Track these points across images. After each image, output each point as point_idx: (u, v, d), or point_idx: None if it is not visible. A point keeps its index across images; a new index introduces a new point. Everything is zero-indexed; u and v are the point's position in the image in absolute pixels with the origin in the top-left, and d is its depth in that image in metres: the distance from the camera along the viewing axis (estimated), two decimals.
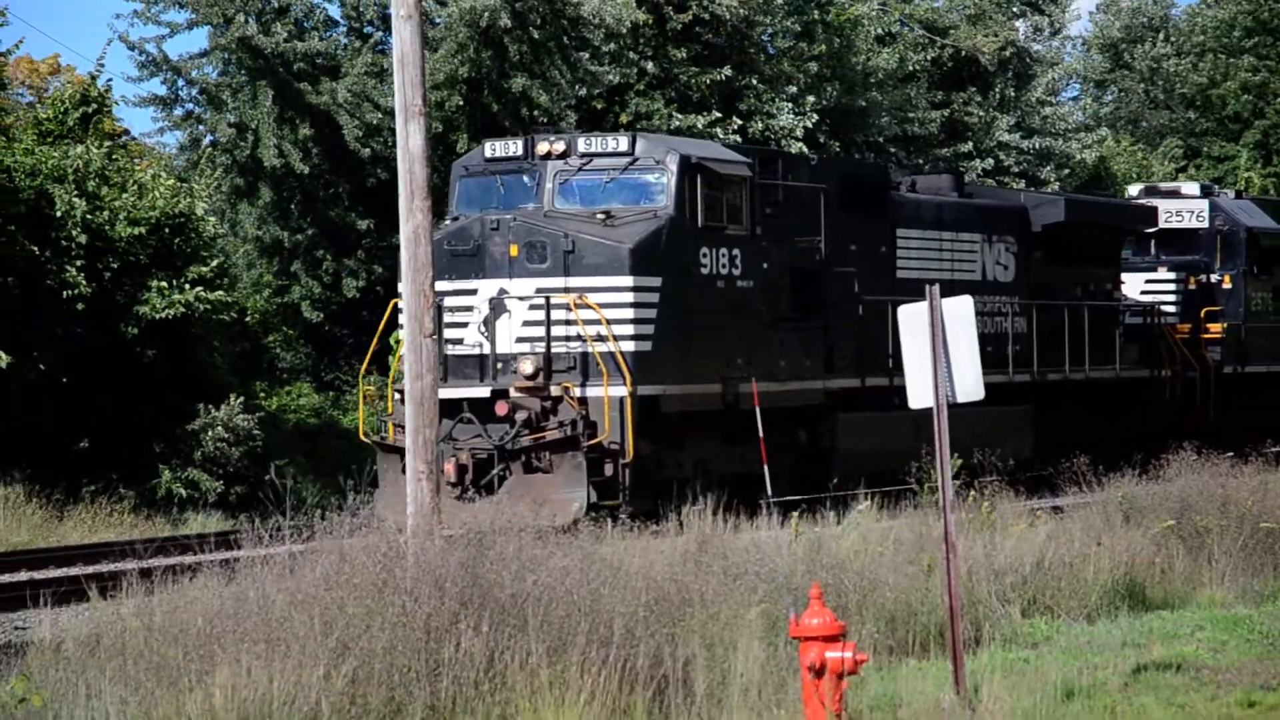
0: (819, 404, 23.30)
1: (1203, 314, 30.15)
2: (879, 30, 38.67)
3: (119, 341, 25.25)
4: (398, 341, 21.30)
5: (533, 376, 20.14)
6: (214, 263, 25.98)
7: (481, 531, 12.79)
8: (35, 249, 23.79)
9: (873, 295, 23.44)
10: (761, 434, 22.32)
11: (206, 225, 26.43)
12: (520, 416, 20.11)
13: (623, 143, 21.78)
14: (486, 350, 20.69)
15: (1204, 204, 32.21)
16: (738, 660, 11.96)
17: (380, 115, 29.52)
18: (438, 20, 30.86)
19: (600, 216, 20.94)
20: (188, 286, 24.63)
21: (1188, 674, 13.65)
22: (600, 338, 20.29)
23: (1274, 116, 55.32)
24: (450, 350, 20.78)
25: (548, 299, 20.39)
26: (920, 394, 12.25)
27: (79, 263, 23.82)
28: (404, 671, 10.99)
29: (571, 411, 20.09)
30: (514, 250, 20.71)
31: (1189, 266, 31.15)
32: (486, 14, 29.95)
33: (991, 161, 41.10)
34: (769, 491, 21.46)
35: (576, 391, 20.20)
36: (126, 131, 33.35)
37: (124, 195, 25.12)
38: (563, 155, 21.46)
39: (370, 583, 11.57)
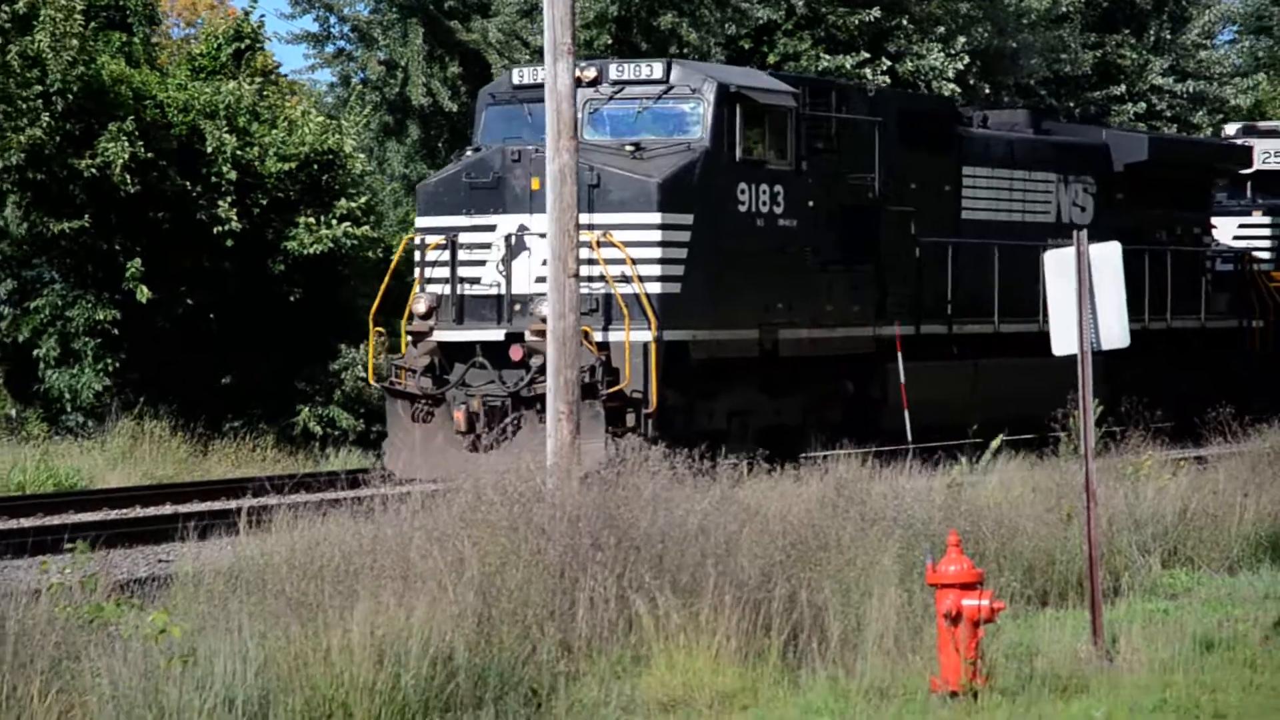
0: (869, 352, 22.07)
1: None
2: None
3: (266, 278, 25.56)
4: (413, 280, 20.75)
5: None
6: (361, 200, 26.10)
7: (618, 470, 13.00)
8: (186, 184, 23.88)
9: (932, 237, 22.45)
10: (903, 380, 22.12)
11: (355, 162, 26.58)
12: (536, 362, 18.97)
13: (657, 70, 20.58)
14: (503, 290, 19.81)
15: None
16: (873, 606, 11.82)
17: (529, 54, 29.28)
18: None
19: (629, 148, 19.81)
20: (335, 223, 25.02)
21: None
22: (625, 278, 19.24)
23: None
24: (466, 290, 19.98)
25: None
26: (1064, 341, 12.32)
27: (229, 199, 23.92)
28: (537, 610, 11.01)
29: (591, 357, 18.84)
30: (535, 184, 19.17)
31: None
32: None
33: (1144, 105, 40.14)
34: (909, 438, 21.47)
35: (597, 336, 19.06)
36: (278, 68, 33.78)
37: (274, 132, 25.23)
38: (593, 83, 20.26)
39: (505, 521, 11.70)
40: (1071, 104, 38.59)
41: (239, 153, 24.24)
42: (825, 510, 13.85)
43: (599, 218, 19.11)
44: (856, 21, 32.56)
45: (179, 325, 25.06)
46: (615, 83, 20.32)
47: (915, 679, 10.81)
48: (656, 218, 19.45)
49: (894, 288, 22.10)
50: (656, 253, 19.49)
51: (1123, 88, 40.45)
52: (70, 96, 23.42)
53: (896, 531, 13.13)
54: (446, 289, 20.20)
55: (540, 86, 19.05)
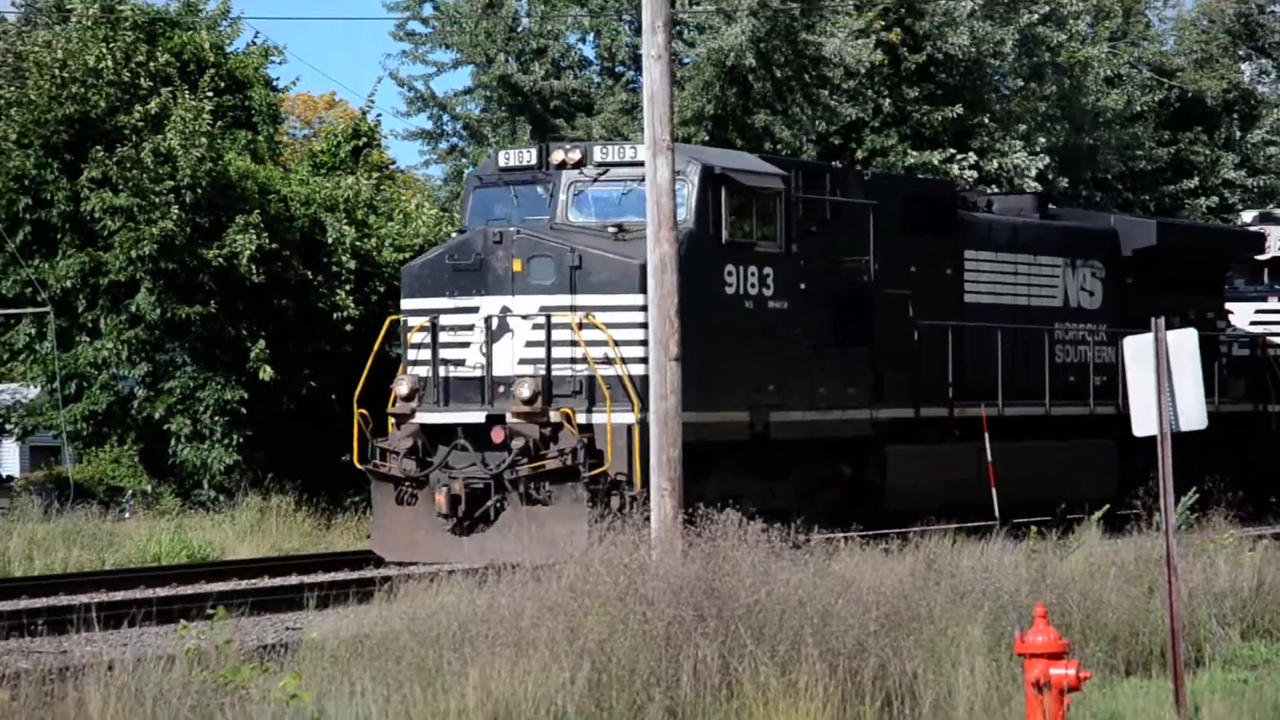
0: (865, 435, 21.47)
1: None
2: (1108, 72, 38.28)
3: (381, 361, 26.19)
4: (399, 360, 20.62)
5: (530, 401, 18.65)
6: None
7: (717, 545, 12.96)
8: (308, 273, 24.92)
9: (930, 320, 21.74)
10: (990, 458, 22.33)
11: None
12: (517, 444, 18.61)
13: (640, 151, 19.04)
14: (485, 372, 19.33)
15: None
16: (963, 675, 12.26)
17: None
18: (686, 60, 31.20)
19: (612, 230, 19.32)
20: None
21: None
22: (607, 360, 18.73)
23: None
24: (449, 372, 19.55)
25: (548, 317, 18.97)
26: (1144, 422, 12.67)
27: (348, 286, 24.87)
28: (644, 677, 11.40)
29: (572, 439, 18.61)
30: (517, 265, 19.23)
31: None
32: (732, 54, 30.35)
33: (1216, 199, 41.38)
34: (997, 515, 21.15)
35: (580, 418, 18.61)
36: (394, 163, 35.41)
37: (390, 223, 26.24)
38: (578, 164, 19.95)
39: (613, 592, 12.13)
40: (1147, 197, 39.45)
41: (357, 243, 25.20)
42: (916, 582, 14.33)
43: (581, 299, 18.85)
44: (940, 118, 32.95)
45: (301, 405, 25.83)
46: (600, 164, 19.84)
47: None
48: (639, 299, 18.39)
49: (890, 371, 21.55)
50: (639, 334, 18.55)
51: (1195, 182, 41.17)
52: (199, 191, 24.41)
53: (985, 604, 13.50)
54: (429, 370, 19.88)
55: (525, 169, 20.36)
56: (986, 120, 34.57)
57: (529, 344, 18.83)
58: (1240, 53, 46.49)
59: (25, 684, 10.27)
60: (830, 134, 33.50)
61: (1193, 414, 12.65)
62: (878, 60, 32.70)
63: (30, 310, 26.25)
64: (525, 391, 18.46)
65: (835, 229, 21.36)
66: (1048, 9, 36.21)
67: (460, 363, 19.21)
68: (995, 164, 33.72)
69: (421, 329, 19.69)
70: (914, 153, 33.00)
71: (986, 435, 22.76)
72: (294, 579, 19.43)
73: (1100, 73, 38.04)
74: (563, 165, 19.96)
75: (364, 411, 20.45)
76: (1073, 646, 11.41)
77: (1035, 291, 24.64)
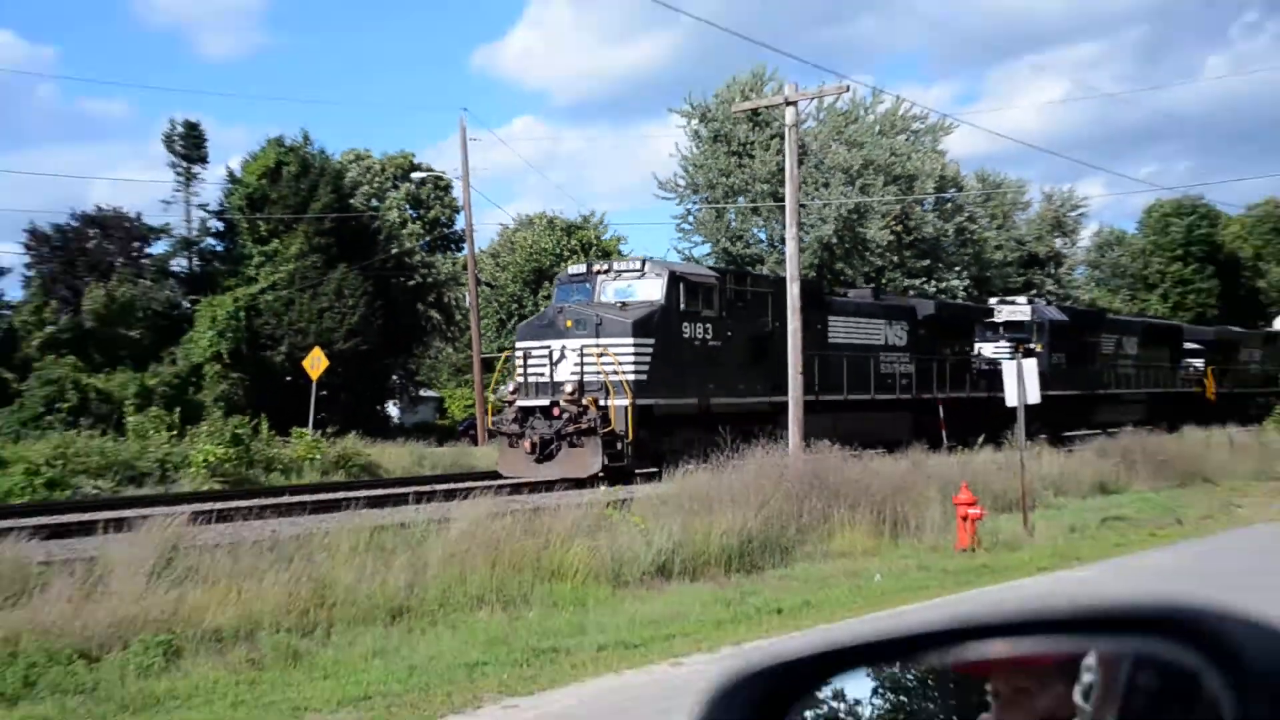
0: (766, 411, 26.35)
1: None
2: (997, 243, 57.77)
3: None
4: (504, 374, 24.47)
5: (572, 394, 23.61)
6: None
7: (823, 455, 18.95)
8: None
9: (807, 351, 25.41)
10: (942, 416, 31.23)
11: None
12: (565, 416, 23.61)
13: (637, 264, 25.46)
14: (549, 379, 24.47)
15: (1028, 306, 40.23)
16: (928, 513, 17.61)
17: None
18: (805, 238, 43.43)
19: (619, 305, 24.52)
20: None
21: (1127, 521, 20.30)
22: (615, 373, 23.49)
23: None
24: (532, 379, 24.72)
25: (582, 351, 23.73)
26: (1012, 399, 17.87)
27: None
28: (784, 515, 16.06)
29: (594, 414, 23.39)
30: (569, 324, 24.42)
31: (1018, 339, 37.42)
32: (825, 238, 46.58)
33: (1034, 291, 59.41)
34: (944, 441, 28.86)
35: (602, 402, 23.59)
36: None
37: None
38: (606, 271, 25.44)
39: (770, 473, 17.41)
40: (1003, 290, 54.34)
41: None
42: (908, 471, 20.06)
43: (601, 341, 23.95)
44: (918, 265, 49.35)
45: None
46: (616, 272, 25.39)
47: (947, 544, 16.49)
48: (630, 341, 23.91)
49: (781, 379, 25.13)
50: (631, 359, 23.89)
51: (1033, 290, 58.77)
52: None
53: (937, 481, 19.20)
54: (523, 378, 24.84)
55: (580, 275, 25.95)
56: (940, 265, 49.90)
57: (574, 365, 24.15)
58: (1055, 234, 67.61)
59: (519, 517, 14.32)
60: (869, 273, 47.41)
61: (1034, 395, 17.68)
62: (889, 239, 47.15)
63: None
64: (569, 389, 23.74)
65: (750, 303, 26.87)
66: (969, 213, 52.23)
67: (540, 374, 24.54)
68: (944, 284, 48.98)
69: (521, 357, 25.07)
70: (908, 279, 47.95)
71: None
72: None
73: (993, 243, 55.23)
74: (597, 273, 25.62)
75: (492, 401, 24.93)
76: (977, 499, 16.74)
77: (868, 337, 31.34)
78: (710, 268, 27.55)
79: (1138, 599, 0.95)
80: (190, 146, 47.41)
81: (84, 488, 25.09)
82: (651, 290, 24.96)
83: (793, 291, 22.89)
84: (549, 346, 24.52)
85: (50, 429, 30.60)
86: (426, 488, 20.84)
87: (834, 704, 1.15)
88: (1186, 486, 25.94)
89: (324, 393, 32.12)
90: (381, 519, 15.33)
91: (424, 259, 53.30)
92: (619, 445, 23.49)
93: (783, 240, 33.92)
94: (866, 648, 1.13)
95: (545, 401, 24.13)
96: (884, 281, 46.31)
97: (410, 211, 55.77)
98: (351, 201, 47.98)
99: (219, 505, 19.35)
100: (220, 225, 47.09)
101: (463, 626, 11.15)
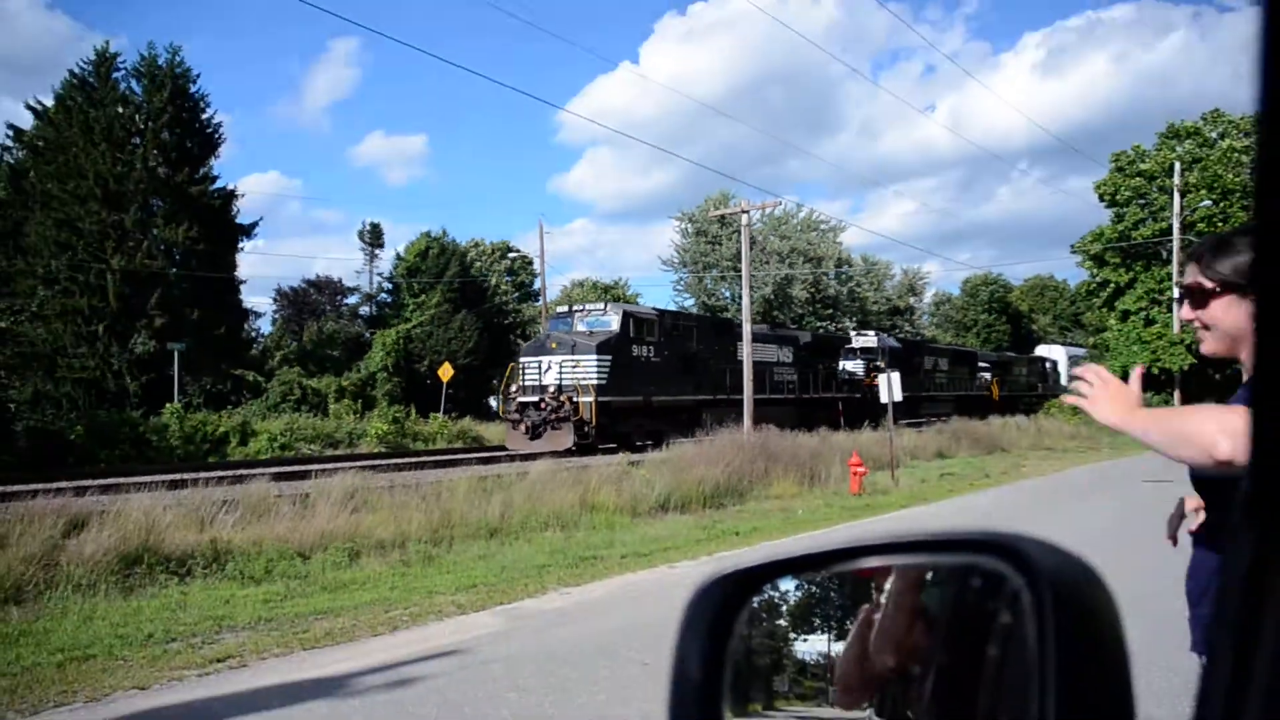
0: (693, 406, 27.77)
1: (871, 377, 36.51)
2: (874, 299, 66.26)
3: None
4: (509, 377, 26.47)
5: (555, 394, 24.73)
6: None
7: (767, 434, 19.39)
8: None
9: (719, 366, 28.67)
10: (841, 409, 33.38)
11: None
12: (549, 407, 24.71)
13: (602, 306, 26.81)
14: (541, 382, 25.28)
15: (875, 337, 41.69)
16: (833, 470, 18.34)
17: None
18: (754, 296, 50.44)
19: (588, 333, 25.60)
20: None
21: (956, 476, 20.78)
22: (584, 378, 24.58)
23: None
24: (529, 382, 25.51)
25: (562, 364, 24.89)
26: (884, 397, 18.63)
27: None
28: (742, 474, 16.72)
29: (569, 407, 24.45)
30: (554, 345, 25.39)
31: (869, 360, 39.37)
32: (767, 295, 55.84)
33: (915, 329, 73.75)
34: (843, 423, 30.99)
35: (575, 399, 24.51)
36: None
37: None
38: (580, 310, 26.52)
39: (732, 445, 18.00)
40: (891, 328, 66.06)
41: None
42: (821, 443, 20.92)
43: (575, 357, 24.95)
44: (825, 313, 58.95)
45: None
46: (588, 310, 26.57)
47: (844, 490, 17.19)
48: (594, 358, 24.86)
49: (704, 383, 27.74)
50: (595, 370, 24.76)
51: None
52: None
53: (840, 449, 20.07)
54: (523, 381, 25.83)
55: (565, 313, 26.81)
56: (838, 313, 61.03)
57: (556, 373, 25.24)
58: (909, 294, 78.67)
59: (571, 471, 15.00)
60: (793, 319, 56.21)
61: (898, 395, 18.67)
62: (806, 296, 58.41)
63: None
64: (553, 389, 25.08)
65: (681, 333, 28.27)
66: (856, 280, 63.25)
67: (534, 379, 25.61)
68: (840, 326, 58.24)
69: (521, 367, 26.20)
70: (818, 322, 58.12)
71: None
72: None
73: (870, 300, 65.71)
74: (574, 311, 26.84)
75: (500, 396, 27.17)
76: (864, 460, 17.81)
77: (764, 356, 32.43)
78: (653, 309, 28.52)
79: (968, 529, 1.04)
80: (374, 237, 63.69)
81: (302, 449, 30.45)
82: (612, 323, 26.33)
83: (747, 330, 25.90)
84: (540, 360, 25.72)
85: (283, 413, 36.68)
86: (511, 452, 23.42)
87: (773, 594, 1.24)
88: (991, 454, 27.90)
89: (450, 391, 39.14)
90: (485, 472, 17.16)
91: (514, 307, 64.54)
92: (585, 429, 24.72)
93: (740, 297, 38.92)
94: (799, 559, 1.22)
95: (536, 398, 25.36)
96: (804, 324, 56.01)
97: (506, 277, 67.19)
98: (471, 270, 59.97)
99: (383, 462, 22.12)
100: (390, 285, 59.33)
101: (535, 541, 12.15)
